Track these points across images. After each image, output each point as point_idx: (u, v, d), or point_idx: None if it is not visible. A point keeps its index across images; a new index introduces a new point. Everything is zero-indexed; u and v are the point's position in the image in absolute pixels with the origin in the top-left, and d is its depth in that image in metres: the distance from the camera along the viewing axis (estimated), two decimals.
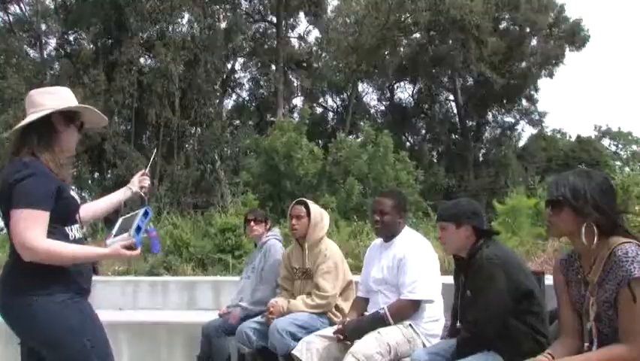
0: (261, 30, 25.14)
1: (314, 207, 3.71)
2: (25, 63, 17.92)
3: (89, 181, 16.72)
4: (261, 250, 4.15)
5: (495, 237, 2.70)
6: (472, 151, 26.48)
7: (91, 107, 2.30)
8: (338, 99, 27.96)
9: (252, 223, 4.23)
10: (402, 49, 25.02)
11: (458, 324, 2.68)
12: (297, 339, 3.23)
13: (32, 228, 1.99)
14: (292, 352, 3.13)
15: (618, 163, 29.33)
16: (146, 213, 2.28)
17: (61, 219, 2.13)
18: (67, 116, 2.21)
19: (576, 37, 25.25)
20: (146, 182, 2.64)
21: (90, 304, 2.21)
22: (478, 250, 2.58)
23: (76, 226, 2.25)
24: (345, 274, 3.64)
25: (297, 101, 26.39)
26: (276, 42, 23.77)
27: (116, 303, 5.80)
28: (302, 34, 26.29)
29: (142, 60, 18.22)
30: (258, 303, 3.90)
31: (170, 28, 18.09)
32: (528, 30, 25.44)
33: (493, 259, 2.48)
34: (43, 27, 19.38)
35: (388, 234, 3.28)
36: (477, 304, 2.48)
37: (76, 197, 2.26)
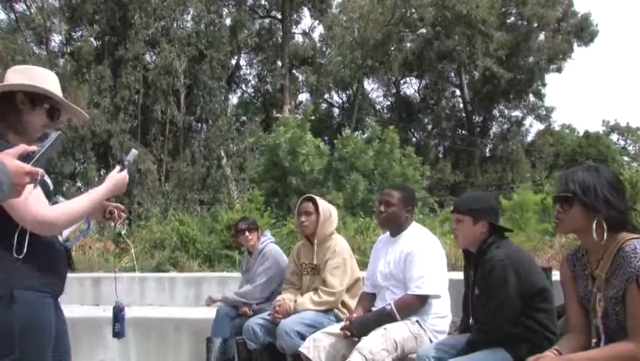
0: (265, 26, 25.14)
1: (322, 203, 3.67)
2: (31, 61, 17.96)
3: (96, 178, 16.73)
4: (259, 257, 4.15)
5: (507, 234, 2.68)
6: (479, 147, 26.39)
7: (59, 97, 2.01)
8: (344, 95, 27.95)
9: (247, 233, 4.20)
10: (407, 44, 24.95)
11: (471, 321, 2.65)
12: (304, 338, 3.20)
13: (35, 199, 1.73)
14: (299, 349, 3.12)
15: (626, 158, 29.17)
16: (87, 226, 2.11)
17: None
18: (33, 97, 1.96)
19: (585, 32, 25.05)
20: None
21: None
22: (488, 247, 2.56)
23: None
24: (353, 270, 3.63)
25: (303, 97, 26.42)
26: (281, 38, 23.76)
27: (122, 299, 5.81)
28: (307, 30, 26.30)
29: (147, 57, 18.24)
30: (243, 296, 4.04)
31: (175, 25, 18.09)
32: (536, 25, 25.27)
33: (504, 260, 2.46)
34: (48, 24, 19.41)
35: (392, 227, 3.27)
36: (489, 306, 2.47)
37: (50, 183, 1.98)
